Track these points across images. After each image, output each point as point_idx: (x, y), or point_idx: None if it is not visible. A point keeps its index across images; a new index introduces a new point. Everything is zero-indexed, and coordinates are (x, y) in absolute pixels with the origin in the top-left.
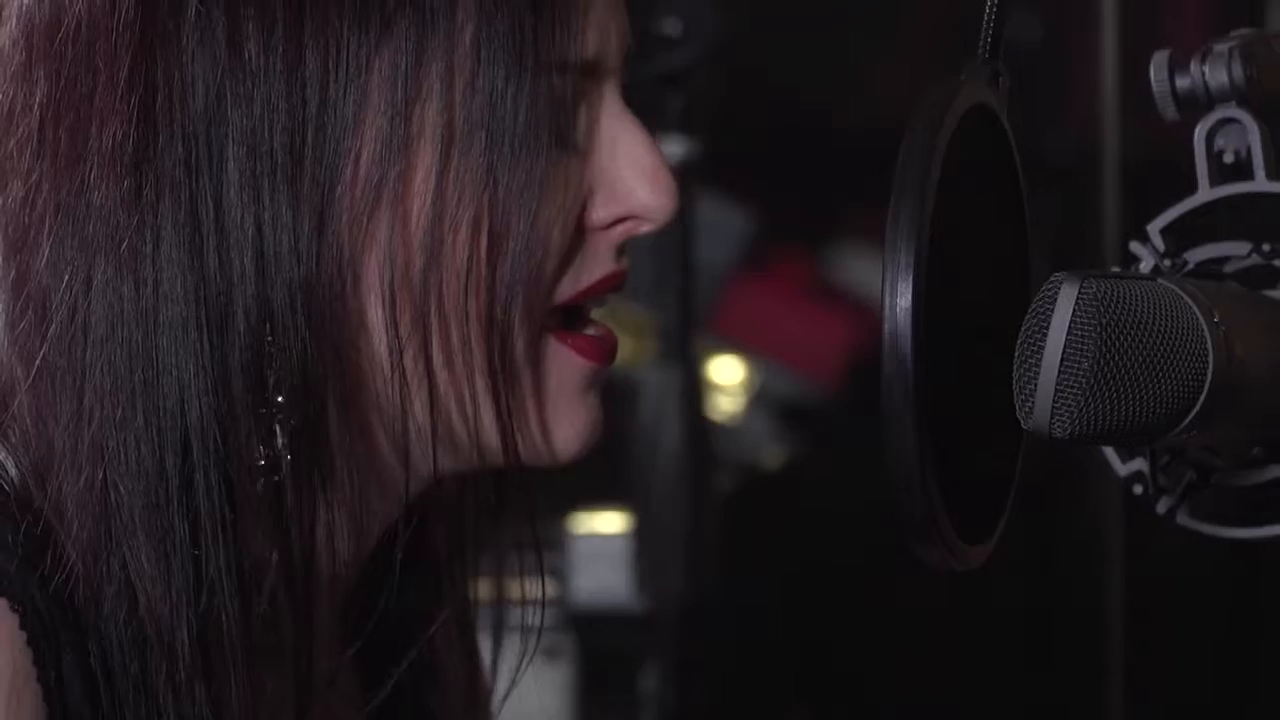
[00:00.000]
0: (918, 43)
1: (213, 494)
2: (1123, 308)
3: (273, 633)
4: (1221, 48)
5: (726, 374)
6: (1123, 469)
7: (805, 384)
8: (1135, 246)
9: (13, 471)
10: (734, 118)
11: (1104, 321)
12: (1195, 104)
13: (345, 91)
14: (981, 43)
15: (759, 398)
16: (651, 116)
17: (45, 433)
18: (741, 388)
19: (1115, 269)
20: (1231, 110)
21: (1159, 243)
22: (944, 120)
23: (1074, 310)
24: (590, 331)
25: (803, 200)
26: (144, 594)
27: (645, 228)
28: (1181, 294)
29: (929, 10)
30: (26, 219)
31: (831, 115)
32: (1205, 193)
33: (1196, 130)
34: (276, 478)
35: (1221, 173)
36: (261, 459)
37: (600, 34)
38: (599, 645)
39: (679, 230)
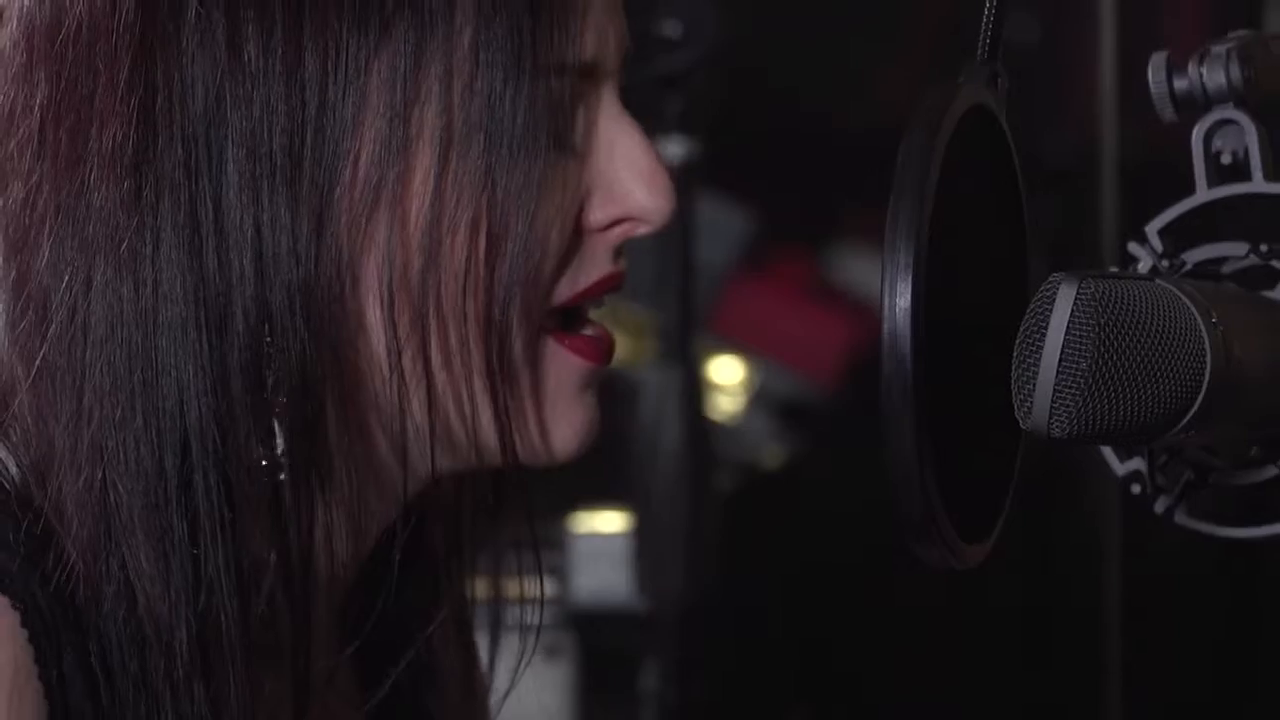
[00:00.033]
0: (917, 44)
1: (211, 494)
2: (1121, 308)
3: (271, 632)
4: (1219, 49)
5: (726, 374)
6: (1121, 468)
7: (805, 384)
8: (1133, 247)
9: (13, 470)
10: (734, 119)
11: (1102, 322)
12: (1193, 105)
13: (344, 93)
14: (980, 44)
15: (759, 397)
16: (651, 118)
17: (45, 432)
18: (741, 387)
19: (1113, 269)
20: (1229, 111)
21: (1157, 243)
22: (943, 121)
23: (1072, 310)
24: (588, 332)
25: (802, 201)
26: (143, 593)
27: (643, 229)
28: (1179, 294)
29: (928, 12)
30: (27, 220)
31: (831, 116)
32: (1203, 194)
33: (1194, 131)
34: (275, 478)
35: (1219, 174)
36: (260, 459)
37: (598, 36)
38: (599, 644)
39: (679, 231)
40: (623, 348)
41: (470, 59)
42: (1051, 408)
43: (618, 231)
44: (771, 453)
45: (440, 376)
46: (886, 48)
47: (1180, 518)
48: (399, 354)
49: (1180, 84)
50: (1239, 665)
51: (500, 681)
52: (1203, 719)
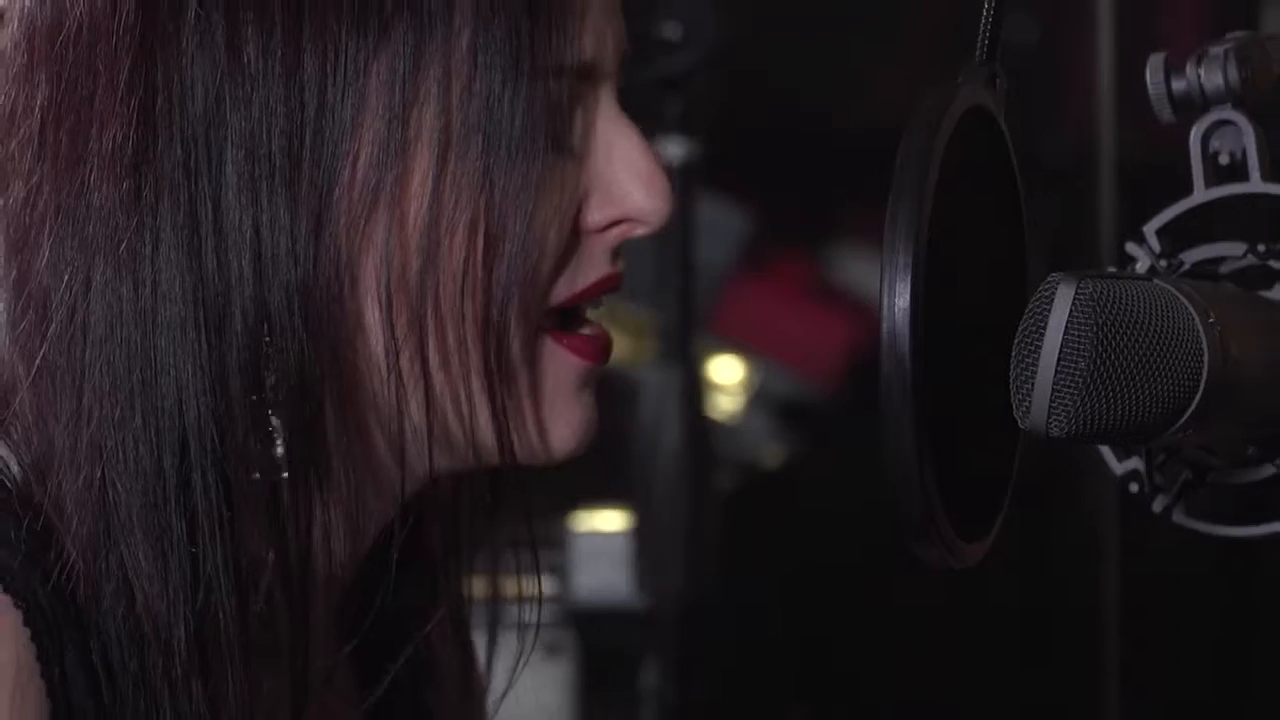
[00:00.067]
0: (916, 46)
1: (210, 493)
2: (1119, 308)
3: (269, 631)
4: (1217, 50)
5: (726, 373)
6: (1119, 468)
7: (804, 383)
8: (1131, 247)
9: (15, 468)
10: (734, 120)
11: (1100, 321)
12: (1191, 106)
13: (343, 95)
14: (978, 46)
15: (758, 397)
16: (652, 119)
17: (46, 430)
18: (741, 387)
19: (1112, 269)
20: (1227, 112)
21: (1155, 243)
22: (942, 122)
23: (1071, 310)
24: (585, 331)
25: (802, 201)
26: (141, 591)
27: (640, 231)
28: (1177, 294)
29: (927, 13)
30: (28, 219)
31: (830, 117)
32: (1201, 194)
33: (1192, 132)
34: (273, 477)
35: (1217, 174)
36: (258, 459)
37: (596, 38)
38: (600, 642)
39: (679, 231)
40: (623, 348)
41: (469, 61)
42: (1050, 407)
43: (615, 233)
44: (771, 452)
45: (438, 376)
46: (886, 49)
47: (1178, 517)
48: (397, 354)
49: (1178, 85)
50: (1237, 664)
51: (498, 680)
52: (1201, 718)
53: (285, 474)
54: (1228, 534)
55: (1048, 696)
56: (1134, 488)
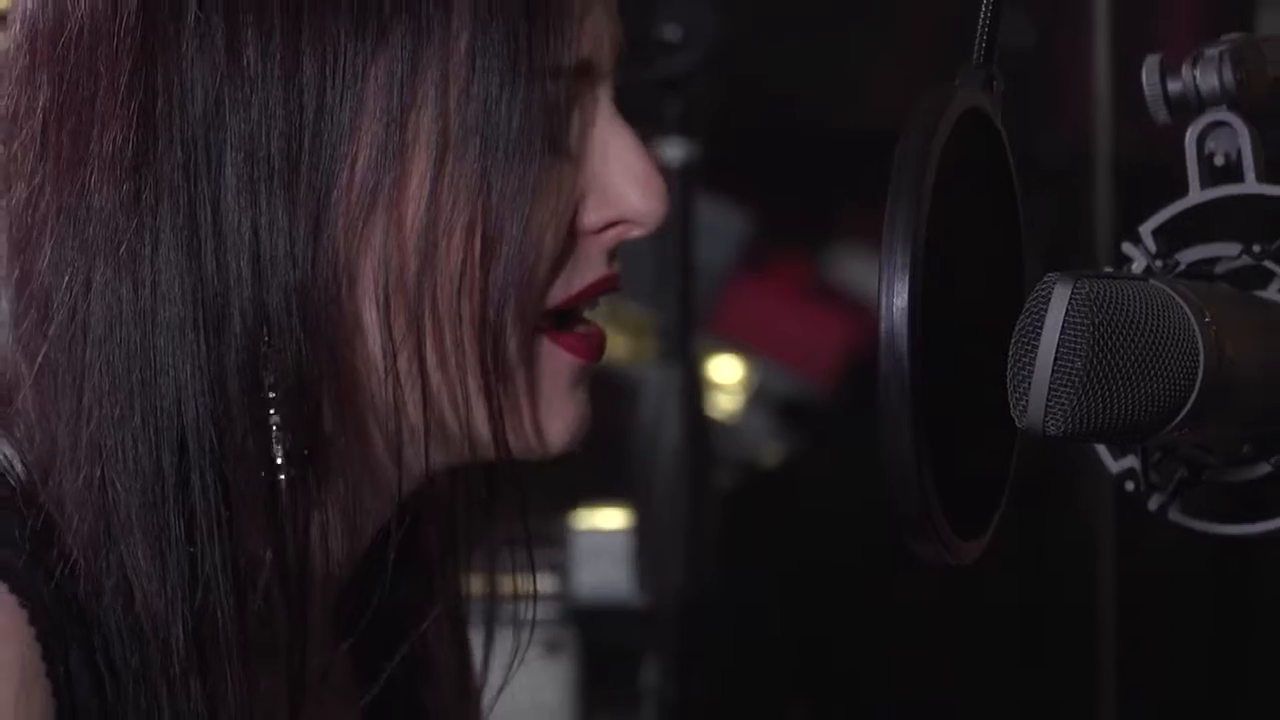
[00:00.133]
0: (914, 48)
1: (208, 493)
2: (1115, 308)
3: (267, 629)
4: (1212, 52)
5: (726, 373)
6: (1115, 466)
7: (803, 383)
8: (1127, 247)
9: (18, 466)
10: (733, 121)
11: (1097, 321)
12: (1186, 107)
13: (342, 98)
14: (976, 48)
15: (758, 396)
16: (651, 120)
17: (48, 429)
18: (740, 386)
19: (1108, 270)
20: (1222, 114)
21: (1151, 244)
22: (939, 124)
23: (1067, 310)
24: (580, 329)
25: (801, 202)
26: (140, 589)
27: (636, 232)
28: (1173, 294)
29: (925, 16)
30: (30, 220)
31: (829, 119)
32: (1196, 195)
33: (1188, 133)
34: (272, 477)
35: (1212, 175)
36: (257, 458)
37: (594, 39)
38: (600, 640)
39: (679, 232)
40: (623, 347)
41: (466, 64)
42: (1046, 406)
43: (612, 234)
44: (770, 451)
45: (435, 376)
46: (884, 51)
47: (1174, 515)
48: (394, 355)
49: (1174, 86)
50: (1232, 662)
51: (495, 677)
52: (1196, 715)
53: (283, 474)
54: (1223, 532)
55: (1044, 694)
56: (1130, 486)
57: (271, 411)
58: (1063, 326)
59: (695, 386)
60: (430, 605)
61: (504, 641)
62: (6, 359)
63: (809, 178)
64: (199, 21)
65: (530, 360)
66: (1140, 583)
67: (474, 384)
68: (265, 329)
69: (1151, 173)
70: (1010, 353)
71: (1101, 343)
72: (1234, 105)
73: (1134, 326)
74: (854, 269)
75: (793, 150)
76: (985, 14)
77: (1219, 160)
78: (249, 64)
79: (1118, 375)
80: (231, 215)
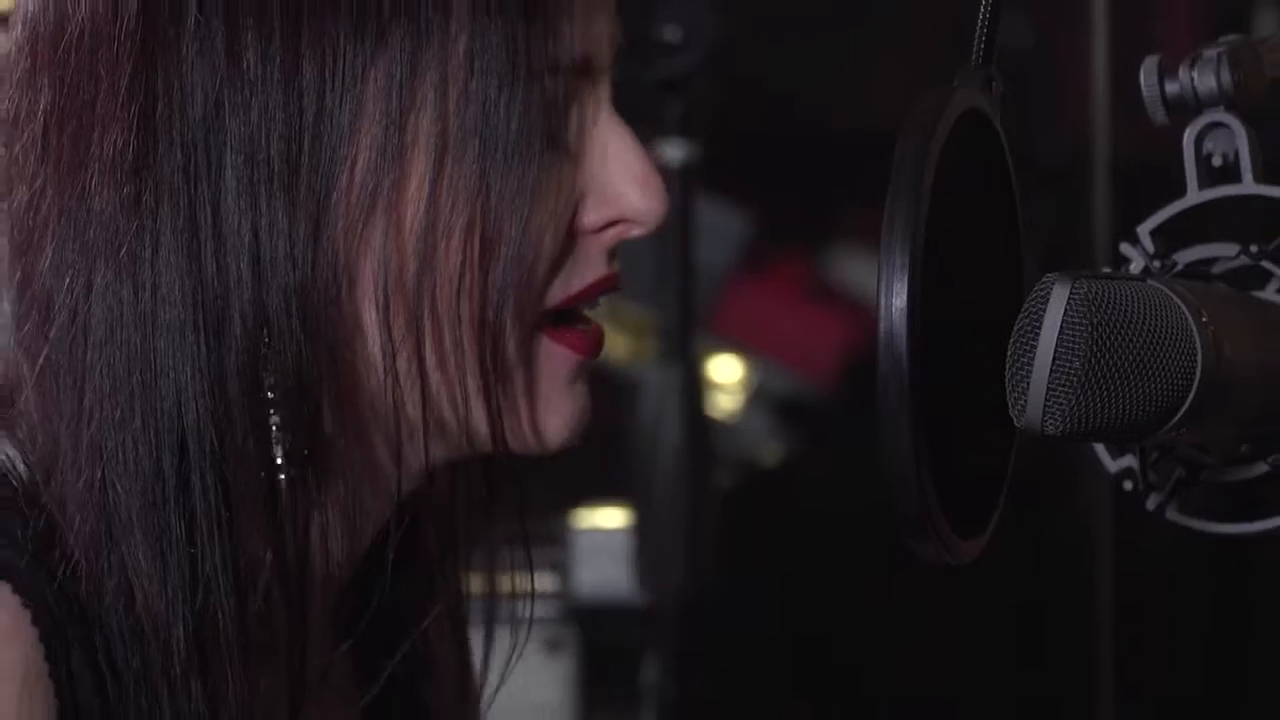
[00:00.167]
0: (913, 49)
1: (209, 494)
2: (1113, 308)
3: (267, 630)
4: (1210, 53)
5: (726, 372)
6: (1113, 465)
7: (803, 382)
8: (1125, 248)
9: (21, 467)
10: (733, 122)
11: (1095, 321)
12: (1184, 108)
13: (341, 101)
14: (974, 49)
15: (757, 396)
16: (651, 121)
17: (50, 430)
18: (740, 386)
19: (1106, 270)
20: (1220, 115)
21: (1149, 244)
22: (938, 125)
23: (1065, 310)
24: (579, 326)
25: (800, 203)
26: (141, 591)
27: (636, 231)
28: (1171, 294)
29: (924, 17)
30: (31, 222)
31: (829, 120)
32: (1194, 195)
33: (1185, 134)
34: (272, 478)
35: (1210, 176)
36: (257, 460)
37: (592, 39)
38: (600, 638)
39: (679, 232)
40: (623, 347)
41: (465, 66)
42: (1045, 406)
43: (611, 234)
44: (770, 450)
45: (435, 376)
46: (884, 52)
47: (1171, 514)
48: (394, 355)
49: (1172, 88)
50: (1230, 660)
51: (495, 675)
52: (1194, 715)
53: (283, 474)
54: (1221, 531)
55: (1042, 693)
56: (1128, 485)
57: (271, 413)
58: (1061, 326)
59: (695, 386)
60: (430, 604)
61: (503, 640)
62: (8, 361)
63: (809, 178)
64: (199, 25)
65: (528, 360)
66: (1138, 582)
67: (473, 384)
68: (265, 331)
69: (1149, 173)
70: (1009, 352)
71: (1100, 343)
72: (1232, 106)
73: (1132, 326)
74: (853, 269)
75: (793, 150)
76: (984, 15)
77: (1217, 161)
78: (249, 67)
79: (1116, 375)
80: (231, 217)
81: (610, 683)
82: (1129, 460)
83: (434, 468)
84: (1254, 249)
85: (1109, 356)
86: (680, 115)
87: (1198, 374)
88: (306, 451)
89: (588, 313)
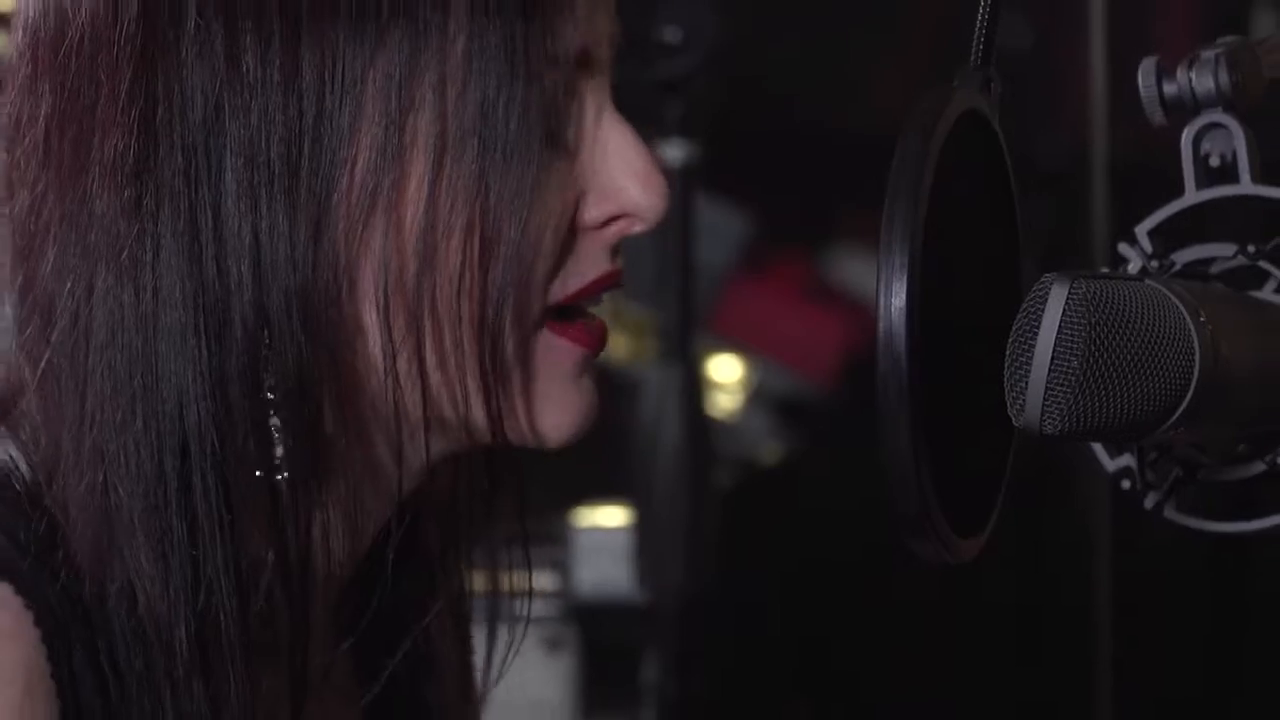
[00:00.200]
0: (913, 49)
1: (210, 496)
2: (1111, 308)
3: (269, 630)
4: (1208, 55)
5: (726, 372)
6: (1111, 465)
7: (802, 382)
8: (1123, 248)
9: (24, 468)
10: (733, 122)
11: (1093, 321)
12: (1182, 109)
13: (341, 102)
14: (973, 50)
15: (757, 395)
16: (652, 122)
17: (52, 433)
18: (740, 385)
19: (1104, 270)
20: (1217, 115)
21: (1147, 244)
22: (937, 125)
23: (1064, 310)
24: (582, 321)
25: (800, 203)
26: (143, 593)
27: (639, 227)
28: (1169, 294)
29: (924, 18)
30: (33, 226)
31: (829, 120)
32: (1192, 195)
33: (1183, 135)
34: (273, 479)
35: (1208, 176)
36: (259, 461)
37: (591, 37)
38: (601, 637)
39: (680, 232)
40: (624, 347)
41: (464, 66)
42: (1043, 405)
43: (614, 230)
44: (770, 450)
45: (435, 377)
46: (883, 53)
47: (1169, 513)
48: (394, 356)
49: (1170, 88)
50: (1228, 659)
51: (494, 673)
52: (1193, 714)
53: (285, 475)
54: (1219, 529)
55: (1041, 692)
56: (1126, 484)
57: (272, 414)
58: (1059, 326)
59: (695, 386)
60: (432, 602)
61: (503, 638)
62: (10, 365)
63: (809, 178)
64: (198, 28)
65: (533, 355)
66: (1136, 581)
67: (474, 383)
68: (266, 332)
69: (1147, 174)
70: (1007, 352)
71: (1098, 342)
72: (1229, 107)
73: (1130, 326)
74: (853, 269)
75: (792, 151)
76: (982, 16)
77: (1214, 161)
78: (248, 70)
79: (1114, 374)
80: (232, 220)
81: (610, 681)
82: (1127, 459)
83: (435, 464)
84: (1251, 249)
85: (1107, 356)
86: (680, 116)
87: (1195, 373)
88: (308, 452)
89: (592, 309)
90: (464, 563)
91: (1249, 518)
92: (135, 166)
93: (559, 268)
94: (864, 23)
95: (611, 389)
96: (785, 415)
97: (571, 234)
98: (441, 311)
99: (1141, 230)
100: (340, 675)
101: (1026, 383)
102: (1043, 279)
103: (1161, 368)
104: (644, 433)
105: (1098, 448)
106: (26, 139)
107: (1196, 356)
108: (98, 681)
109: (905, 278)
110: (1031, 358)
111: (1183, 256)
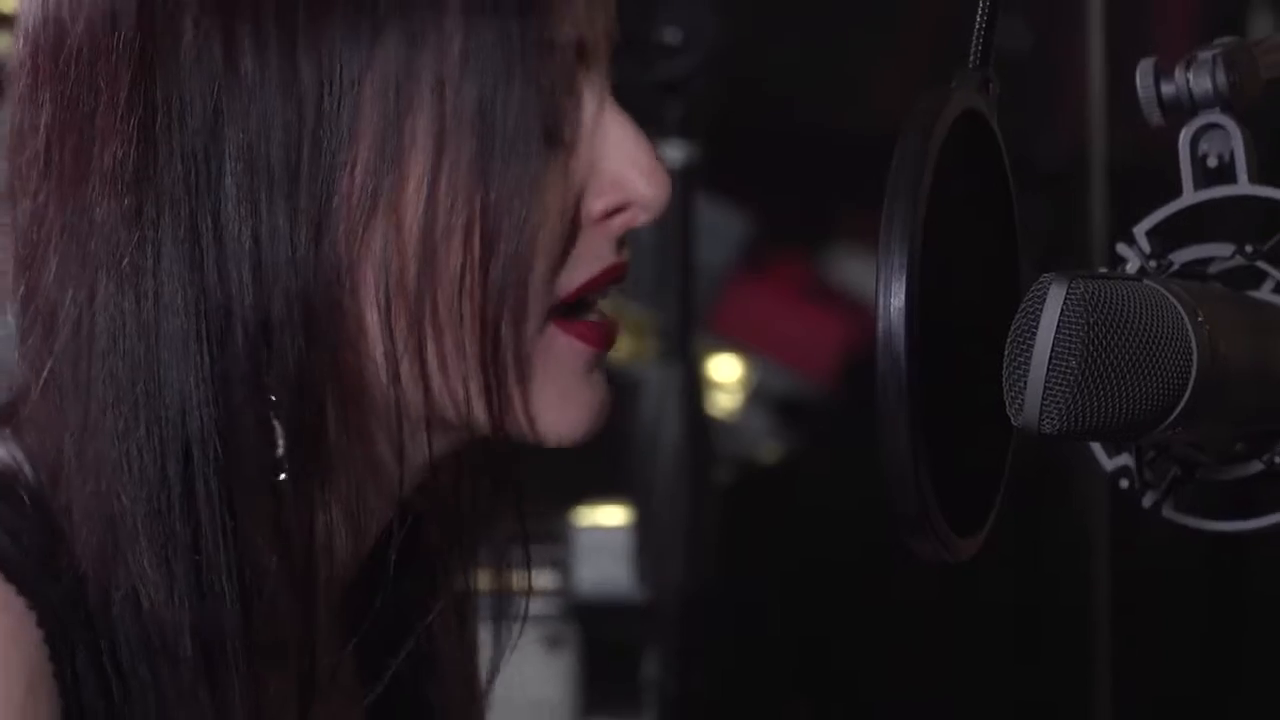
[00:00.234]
0: (912, 50)
1: (213, 501)
2: (1109, 308)
3: (273, 633)
4: (1205, 55)
5: (725, 372)
6: (1109, 464)
7: (802, 382)
8: (1122, 248)
9: (29, 472)
10: (733, 123)
11: (1091, 321)
12: (1180, 110)
13: (339, 105)
14: (972, 51)
15: (757, 395)
16: (651, 123)
17: (55, 441)
18: (740, 385)
19: (1102, 270)
20: (1215, 116)
21: (1145, 244)
22: (936, 126)
23: (1062, 310)
24: (591, 317)
25: (800, 203)
26: (147, 598)
27: (642, 218)
28: (1167, 294)
29: (923, 19)
30: (35, 235)
31: (828, 120)
32: (1190, 196)
33: (1181, 135)
34: (276, 482)
35: (1205, 176)
36: (261, 464)
37: (589, 34)
38: (601, 635)
39: (680, 233)
40: (623, 347)
41: (461, 66)
42: (1042, 405)
43: (618, 221)
44: (769, 449)
45: (437, 378)
46: (883, 53)
47: (1167, 512)
48: (396, 357)
49: (1167, 89)
50: (1226, 658)
51: (495, 670)
52: (1191, 713)
53: (288, 478)
54: (1217, 528)
55: (1040, 692)
56: (1124, 484)
57: (275, 417)
58: (1058, 326)
59: (695, 386)
60: (434, 602)
61: (507, 635)
62: (14, 373)
63: (808, 179)
64: (196, 35)
65: (540, 353)
66: (1134, 580)
67: (476, 383)
68: (268, 337)
69: (1145, 174)
70: (1006, 352)
71: (1096, 342)
72: (1227, 108)
73: (1128, 326)
74: (852, 269)
75: (792, 151)
76: (981, 17)
77: (1212, 162)
78: (246, 75)
79: (1112, 374)
80: (232, 225)
81: (610, 679)
82: (1125, 459)
83: (437, 461)
84: (1249, 249)
85: (1105, 356)
86: (680, 117)
87: (1193, 373)
88: (310, 454)
89: (600, 305)
90: (467, 562)
91: (1247, 517)
92: (135, 174)
93: (563, 263)
94: (864, 23)
95: (612, 389)
96: (785, 415)
97: (575, 228)
98: (443, 312)
99: (1139, 230)
100: (344, 675)
101: (1025, 382)
102: (1041, 279)
103: (1159, 367)
104: (644, 432)
105: (1096, 447)
106: (28, 148)
107: (1194, 356)
108: (101, 683)
109: (904, 278)
110: (1030, 357)
111: (1181, 256)
